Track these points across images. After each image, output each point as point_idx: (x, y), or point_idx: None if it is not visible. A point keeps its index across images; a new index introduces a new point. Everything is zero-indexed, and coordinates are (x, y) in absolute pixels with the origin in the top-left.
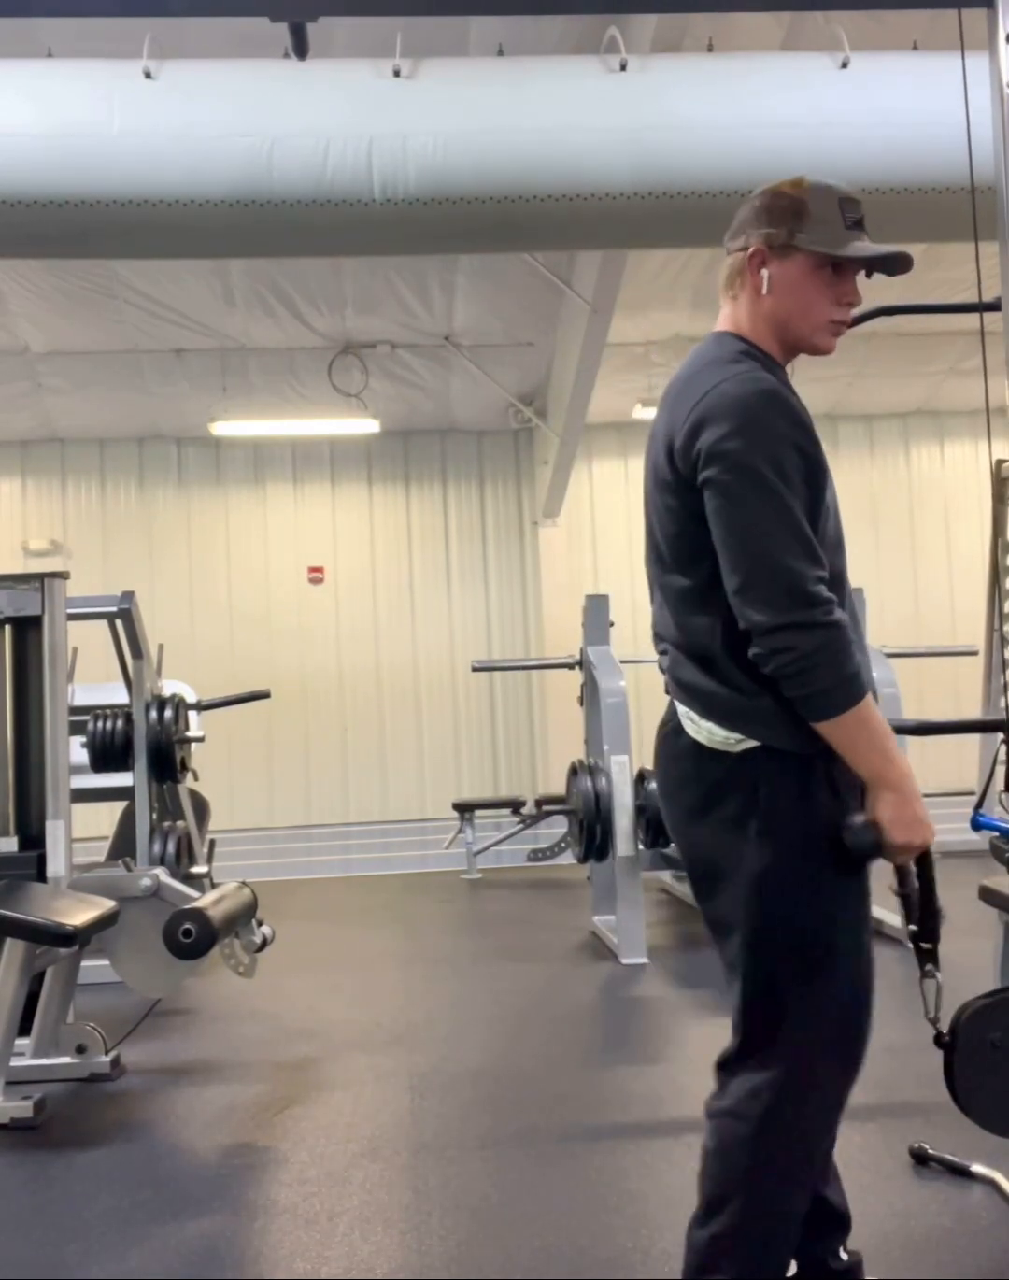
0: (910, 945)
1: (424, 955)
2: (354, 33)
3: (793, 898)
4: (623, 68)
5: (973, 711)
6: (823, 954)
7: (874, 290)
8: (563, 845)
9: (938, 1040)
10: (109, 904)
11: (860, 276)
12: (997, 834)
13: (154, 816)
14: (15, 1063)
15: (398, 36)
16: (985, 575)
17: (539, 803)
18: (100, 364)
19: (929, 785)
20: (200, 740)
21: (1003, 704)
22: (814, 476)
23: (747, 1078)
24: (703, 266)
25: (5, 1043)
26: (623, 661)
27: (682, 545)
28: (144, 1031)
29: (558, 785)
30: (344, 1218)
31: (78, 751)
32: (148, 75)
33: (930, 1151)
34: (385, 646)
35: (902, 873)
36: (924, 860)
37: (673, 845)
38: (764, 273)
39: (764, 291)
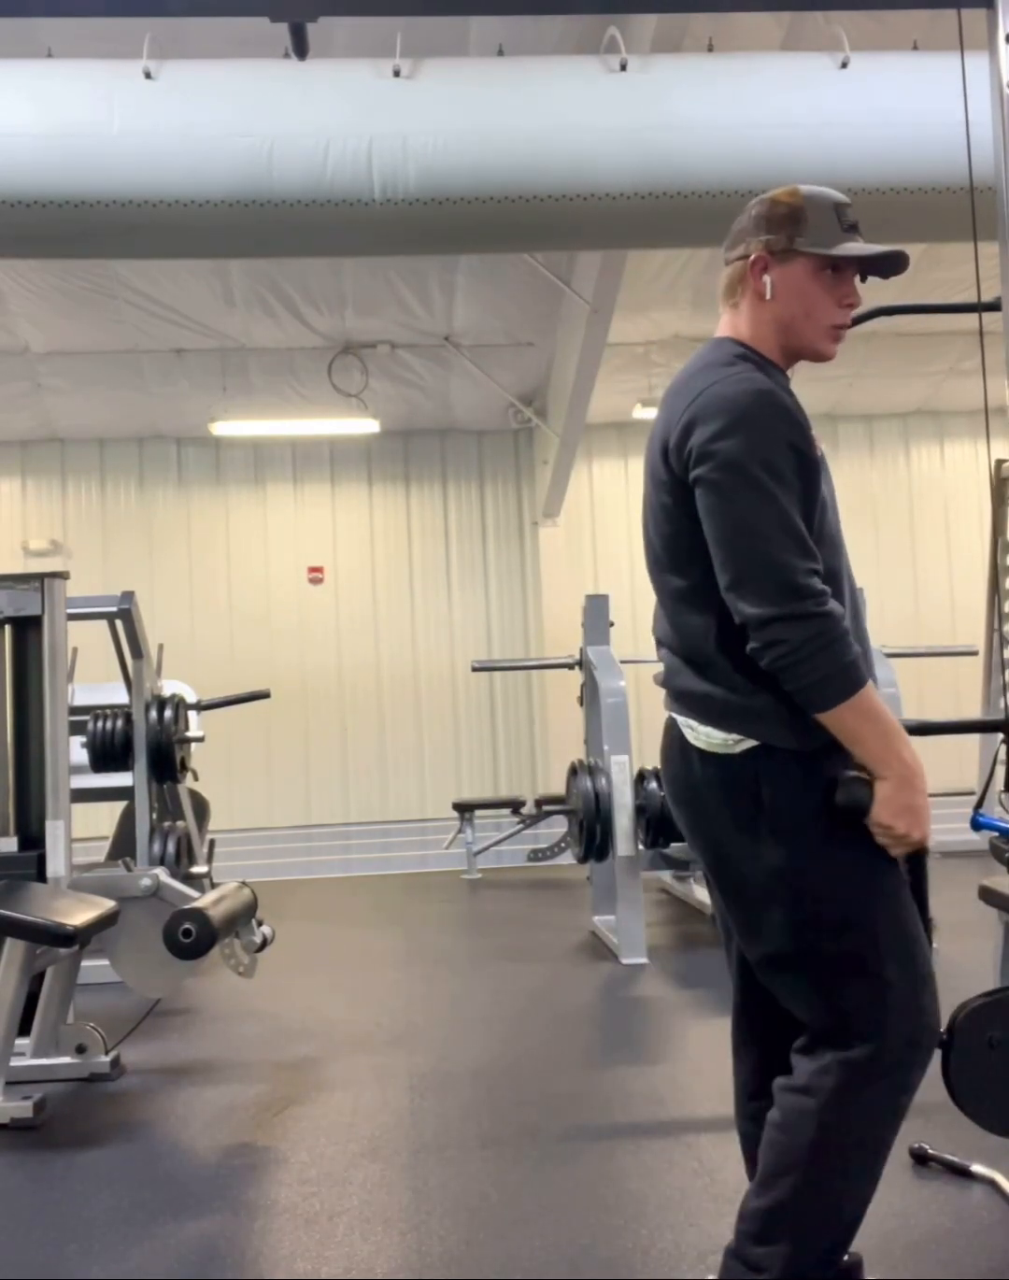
0: None
1: (424, 955)
2: (354, 33)
3: (820, 889)
4: (623, 68)
5: (973, 711)
6: (865, 938)
7: (874, 289)
8: (563, 845)
9: (937, 1042)
10: (109, 904)
11: (858, 279)
12: (997, 834)
13: (154, 816)
14: (15, 1063)
15: (398, 36)
16: (985, 575)
17: (539, 803)
18: (100, 364)
19: (929, 785)
20: (200, 740)
21: (1003, 704)
22: (808, 473)
23: (818, 1058)
24: (703, 266)
25: (5, 1043)
26: (623, 661)
27: (677, 545)
28: (144, 1031)
29: (558, 785)
30: (344, 1218)
31: (78, 751)
32: (148, 75)
33: (930, 1151)
34: (385, 646)
35: (914, 873)
36: (917, 861)
37: (674, 846)
38: (766, 278)
39: (768, 296)
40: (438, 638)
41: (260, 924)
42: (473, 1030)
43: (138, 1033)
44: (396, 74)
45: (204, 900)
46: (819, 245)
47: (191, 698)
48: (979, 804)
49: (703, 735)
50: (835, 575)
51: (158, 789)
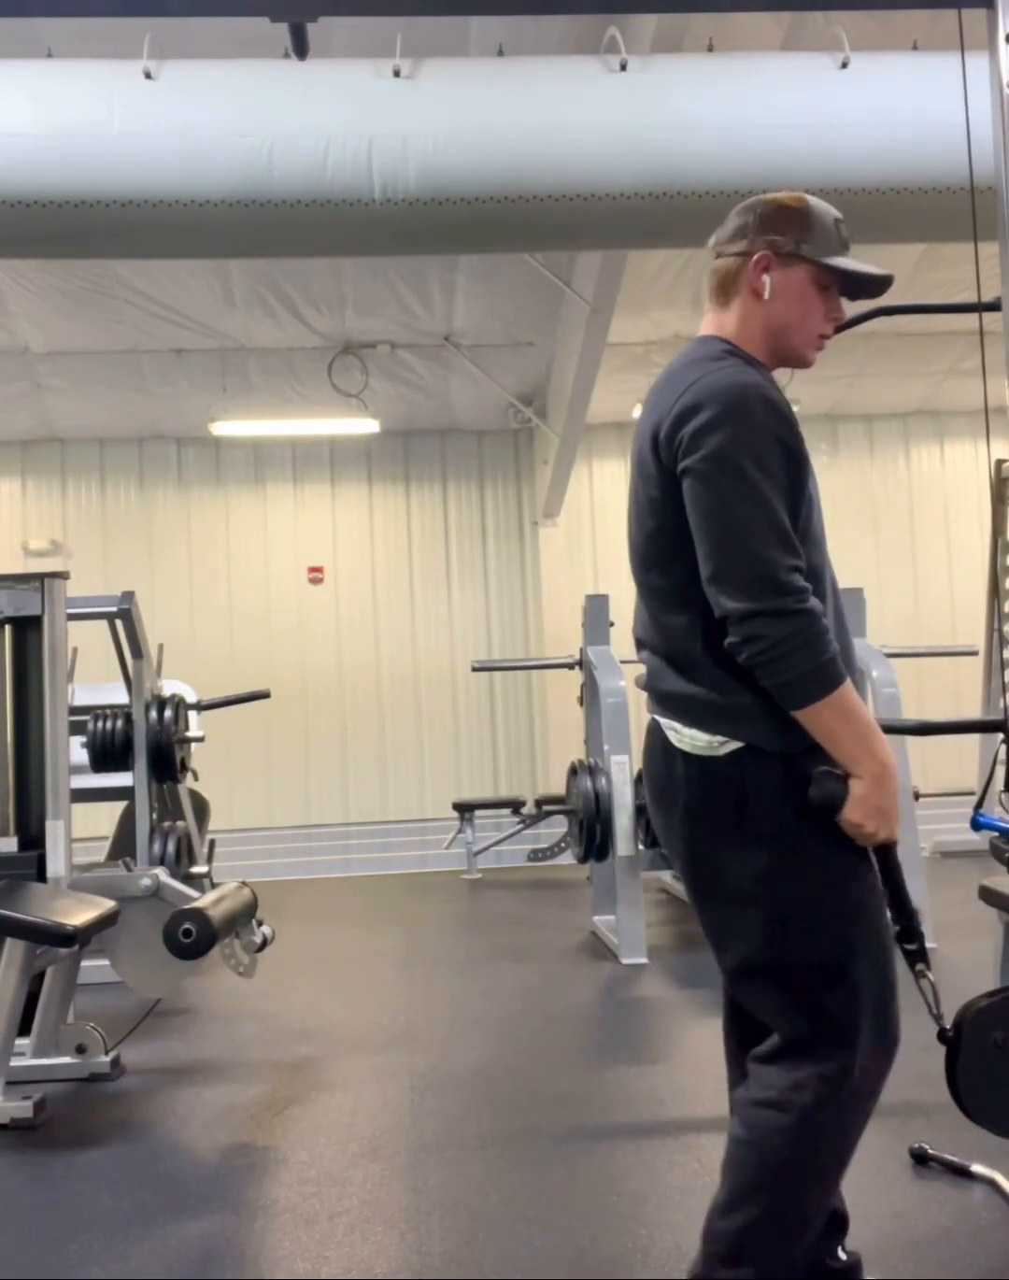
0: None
1: (424, 955)
2: (354, 33)
3: (799, 895)
4: (623, 68)
5: (973, 711)
6: (841, 946)
7: None
8: (563, 845)
9: (941, 1036)
10: (109, 904)
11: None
12: (997, 834)
13: (154, 816)
14: (15, 1063)
15: (398, 36)
16: (985, 575)
17: (539, 803)
18: (100, 364)
19: (929, 785)
20: (200, 740)
21: (1003, 704)
22: (795, 469)
23: (790, 1070)
24: (703, 266)
25: (5, 1043)
26: (623, 661)
27: (662, 540)
28: (144, 1031)
29: (558, 785)
30: (344, 1218)
31: (78, 751)
32: (148, 75)
33: (930, 1151)
34: (385, 646)
35: (887, 870)
36: (887, 853)
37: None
38: (766, 278)
39: (766, 296)
40: (438, 638)
41: (260, 924)
42: (473, 1030)
43: (138, 1033)
44: (396, 74)
45: (204, 900)
46: (822, 254)
47: (191, 698)
48: (979, 804)
49: (687, 737)
50: (817, 573)
51: (158, 789)
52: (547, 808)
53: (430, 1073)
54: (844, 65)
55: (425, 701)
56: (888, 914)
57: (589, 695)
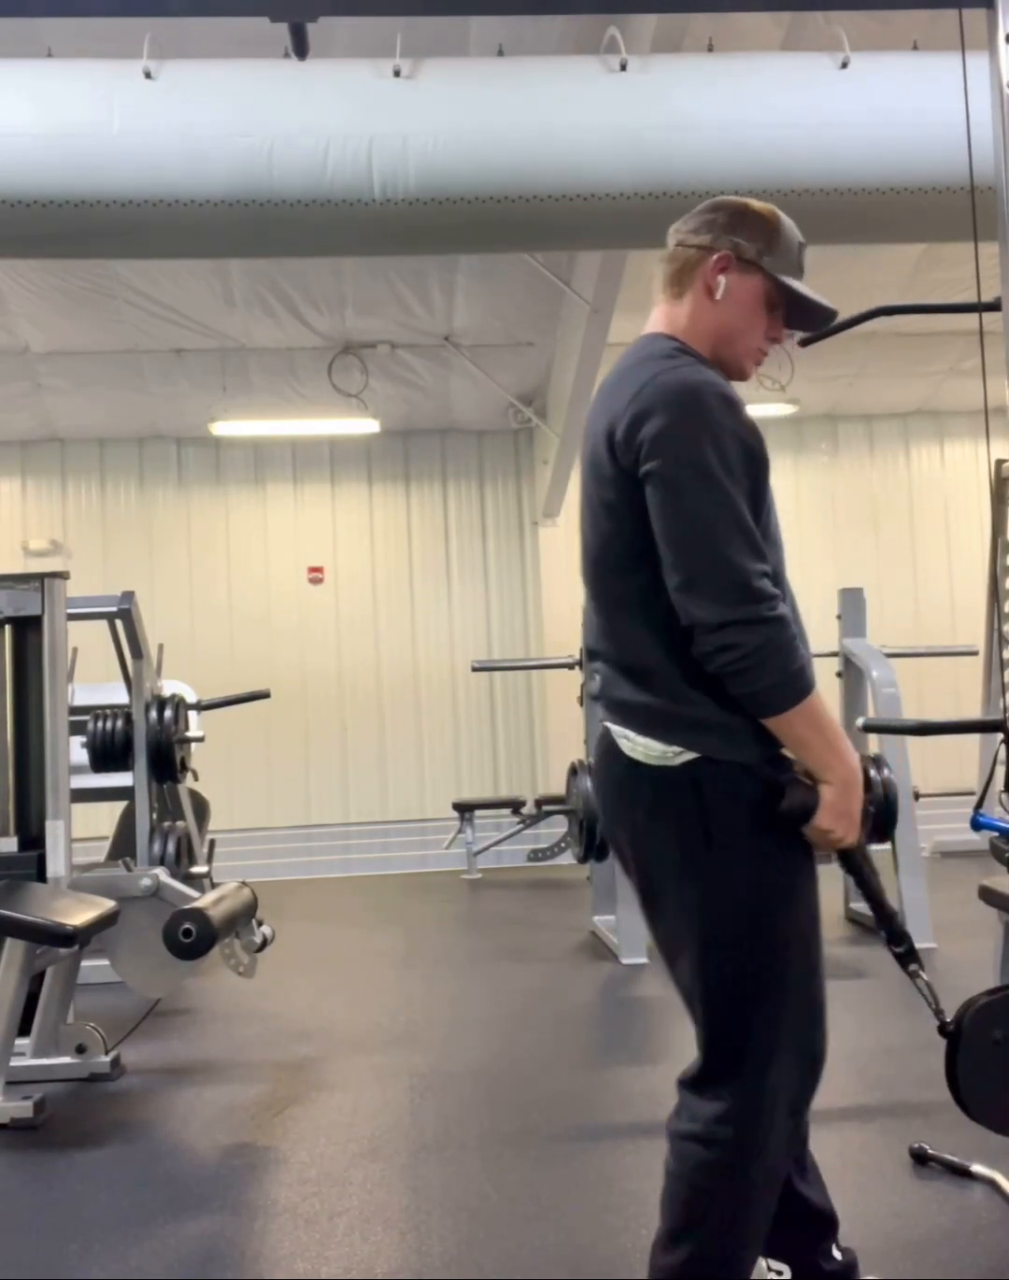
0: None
1: (424, 955)
2: (354, 33)
3: (744, 910)
4: (623, 68)
5: (973, 711)
6: (777, 967)
7: (872, 289)
8: (563, 845)
9: (942, 1030)
10: (109, 904)
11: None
12: (997, 834)
13: (154, 816)
14: (15, 1063)
15: (398, 36)
16: (985, 575)
17: (539, 803)
18: (100, 364)
19: (929, 785)
20: (200, 740)
21: (1003, 704)
22: (756, 469)
23: (714, 1100)
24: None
25: (5, 1043)
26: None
27: (619, 545)
28: (144, 1031)
29: (558, 785)
30: (344, 1218)
31: (78, 751)
32: (148, 75)
33: (930, 1151)
34: (385, 646)
35: (856, 873)
36: (849, 859)
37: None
38: (722, 279)
39: (717, 296)
40: (438, 638)
41: (260, 924)
42: (473, 1030)
43: (138, 1033)
44: (397, 74)
45: (204, 900)
46: (779, 271)
47: (191, 698)
48: (979, 804)
49: (641, 746)
50: (778, 575)
51: (158, 789)
52: (547, 808)
53: (430, 1073)
54: (844, 65)
55: (425, 701)
56: (821, 943)
57: (589, 695)
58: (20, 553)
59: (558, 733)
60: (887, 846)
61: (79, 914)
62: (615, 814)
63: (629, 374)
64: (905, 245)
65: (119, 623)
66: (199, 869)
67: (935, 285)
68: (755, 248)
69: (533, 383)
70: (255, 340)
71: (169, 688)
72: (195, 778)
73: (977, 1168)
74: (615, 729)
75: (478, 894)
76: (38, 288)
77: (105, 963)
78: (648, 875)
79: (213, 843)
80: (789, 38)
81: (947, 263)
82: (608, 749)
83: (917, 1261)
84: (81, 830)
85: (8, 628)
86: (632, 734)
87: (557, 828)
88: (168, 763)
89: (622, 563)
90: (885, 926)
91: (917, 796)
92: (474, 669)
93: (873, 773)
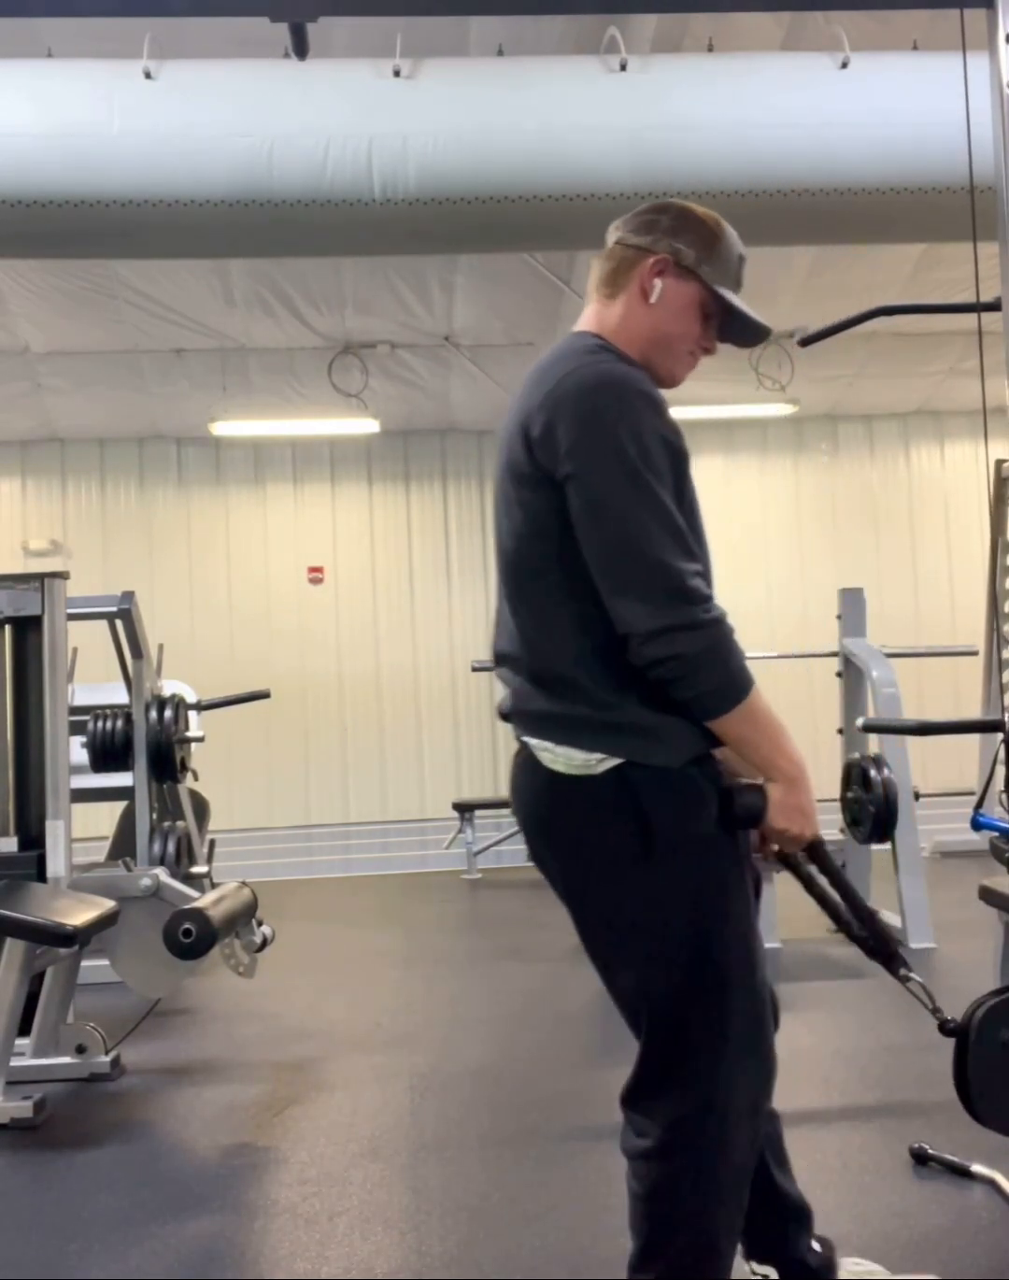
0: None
1: (424, 955)
2: (354, 33)
3: (684, 915)
4: (623, 68)
5: (973, 711)
6: (717, 970)
7: (873, 289)
8: None
9: (944, 1028)
10: (109, 904)
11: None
12: (997, 834)
13: (154, 816)
14: (15, 1063)
15: (398, 36)
16: (985, 575)
17: None
18: (100, 364)
19: (929, 785)
20: (200, 740)
21: (1003, 704)
22: (679, 466)
23: (664, 1114)
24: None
25: (5, 1043)
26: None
27: (538, 547)
28: (144, 1031)
29: None
30: (344, 1218)
31: (78, 751)
32: (148, 75)
33: (930, 1151)
34: (385, 646)
35: (798, 874)
36: (819, 856)
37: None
38: (658, 282)
39: (652, 299)
40: (438, 638)
41: (260, 924)
42: (473, 1030)
43: (138, 1033)
44: (397, 74)
45: (204, 900)
46: (717, 281)
47: (191, 698)
48: (979, 804)
49: (561, 756)
50: (708, 573)
51: (158, 789)
52: None
53: (430, 1073)
54: (844, 65)
55: (425, 701)
56: (759, 940)
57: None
58: (20, 553)
59: None
60: (887, 846)
61: (79, 914)
62: (541, 831)
63: (547, 371)
64: (905, 245)
65: (119, 623)
66: (199, 869)
67: (935, 285)
68: (696, 255)
69: None
70: (255, 340)
71: (169, 688)
72: (195, 778)
73: (977, 1168)
74: (534, 742)
75: (478, 894)
76: (38, 288)
77: (105, 963)
78: (581, 889)
79: (213, 843)
80: (789, 38)
81: (947, 263)
82: (526, 763)
83: (917, 1261)
84: (81, 830)
85: (8, 628)
86: (551, 745)
87: None
88: (168, 763)
89: (539, 565)
90: (865, 923)
91: (917, 796)
92: (474, 669)
93: (873, 773)
